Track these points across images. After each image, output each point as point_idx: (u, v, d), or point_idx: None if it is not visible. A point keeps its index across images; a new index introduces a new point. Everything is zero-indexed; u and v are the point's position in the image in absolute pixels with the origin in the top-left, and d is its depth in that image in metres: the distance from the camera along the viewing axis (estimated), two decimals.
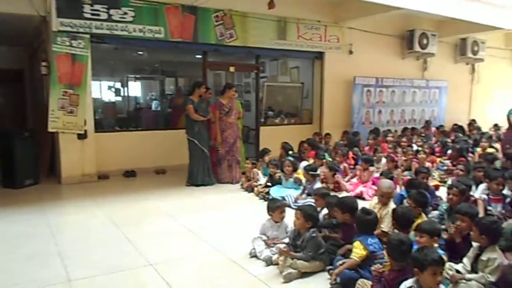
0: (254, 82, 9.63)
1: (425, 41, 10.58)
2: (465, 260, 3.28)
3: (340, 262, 3.25)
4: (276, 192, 5.92)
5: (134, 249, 4.08)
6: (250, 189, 6.45)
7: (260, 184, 6.39)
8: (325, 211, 4.31)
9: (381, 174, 5.49)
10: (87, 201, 5.90)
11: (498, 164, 6.46)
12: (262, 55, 9.36)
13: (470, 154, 7.70)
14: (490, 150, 7.75)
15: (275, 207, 4.06)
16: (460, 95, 12.55)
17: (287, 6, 8.48)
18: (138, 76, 11.25)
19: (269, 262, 3.68)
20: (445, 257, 3.09)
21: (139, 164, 7.69)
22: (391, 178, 5.10)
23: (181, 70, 11.42)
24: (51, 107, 6.72)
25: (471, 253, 3.28)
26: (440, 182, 6.62)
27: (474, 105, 13.02)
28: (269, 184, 6.29)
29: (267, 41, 8.68)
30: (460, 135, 9.86)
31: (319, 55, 9.62)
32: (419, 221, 3.63)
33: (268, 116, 9.96)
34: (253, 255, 3.87)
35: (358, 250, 3.14)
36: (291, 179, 6.11)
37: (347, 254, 3.42)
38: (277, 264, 3.60)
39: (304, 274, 3.46)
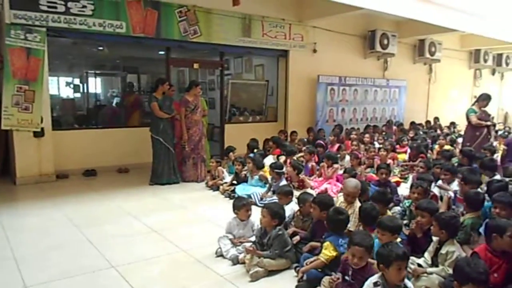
0: (219, 80, 9.55)
1: (385, 42, 10.86)
2: (426, 254, 3.38)
3: (308, 261, 3.26)
4: (241, 190, 5.89)
5: (96, 251, 3.94)
6: (215, 188, 6.39)
7: (226, 182, 6.34)
8: (289, 207, 4.34)
9: (345, 171, 5.58)
10: (44, 202, 5.63)
11: (454, 160, 6.74)
12: (227, 52, 9.29)
13: (429, 151, 7.98)
14: (447, 147, 8.05)
15: (241, 206, 4.04)
16: (418, 94, 12.99)
17: (251, 4, 8.44)
18: (98, 72, 10.87)
19: (235, 261, 3.65)
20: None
21: (100, 162, 7.45)
22: (355, 175, 5.20)
23: (144, 66, 11.17)
24: (5, 103, 6.37)
25: (431, 247, 3.39)
26: (400, 178, 6.82)
27: (431, 104, 13.51)
28: (234, 182, 6.27)
29: (232, 38, 8.62)
30: (421, 132, 10.20)
31: (284, 53, 9.66)
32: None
33: (233, 113, 9.91)
34: (219, 255, 3.83)
35: (327, 252, 3.15)
36: (257, 177, 6.11)
37: (314, 251, 3.45)
38: (243, 263, 3.58)
39: (271, 272, 3.46)
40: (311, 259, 3.27)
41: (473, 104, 7.80)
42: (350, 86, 10.76)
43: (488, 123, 7.45)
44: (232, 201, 4.44)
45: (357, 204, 4.04)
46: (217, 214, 5.09)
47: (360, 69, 11.06)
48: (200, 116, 7.07)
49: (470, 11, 9.81)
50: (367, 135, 8.80)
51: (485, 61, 14.43)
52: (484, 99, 7.49)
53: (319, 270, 3.15)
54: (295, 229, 3.94)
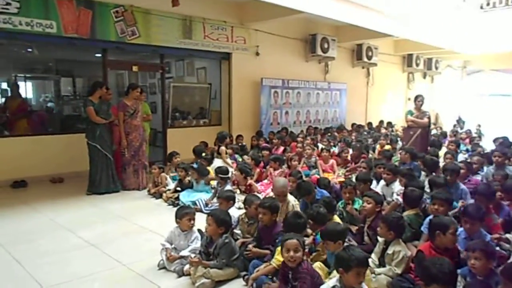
0: (160, 83, 9.24)
1: (326, 45, 11.09)
2: (373, 255, 3.41)
3: (262, 266, 3.16)
4: (186, 197, 5.67)
5: (24, 271, 3.56)
6: (158, 195, 6.11)
7: (169, 190, 6.08)
8: (234, 211, 4.23)
9: (290, 174, 5.53)
10: None
11: (395, 159, 6.97)
12: (167, 55, 9.03)
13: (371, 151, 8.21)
14: (387, 147, 8.32)
15: (182, 214, 3.79)
16: (358, 96, 13.42)
17: (192, 5, 8.25)
18: (29, 75, 10.13)
19: (180, 273, 3.47)
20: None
21: (30, 172, 6.88)
22: (301, 177, 5.19)
23: (79, 69, 10.54)
24: None
25: (377, 248, 3.42)
26: (345, 178, 6.92)
27: (370, 106, 14.02)
28: (178, 189, 6.02)
29: (172, 40, 8.37)
30: (365, 132, 10.51)
31: (226, 56, 9.55)
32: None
33: (175, 118, 9.64)
34: (162, 267, 3.62)
35: (279, 257, 3.03)
36: (203, 182, 5.91)
37: (263, 258, 3.36)
38: (189, 274, 3.41)
39: (218, 283, 3.32)
40: (262, 266, 3.17)
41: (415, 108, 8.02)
42: (293, 89, 10.87)
43: (420, 122, 7.63)
44: (176, 208, 4.23)
45: (290, 199, 4.04)
46: (161, 223, 4.82)
47: (303, 72, 11.21)
48: (140, 121, 6.75)
49: (402, 17, 10.33)
50: (324, 139, 8.95)
51: (417, 65, 15.25)
52: (415, 99, 7.84)
53: (270, 277, 3.04)
54: (244, 239, 3.81)
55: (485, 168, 5.88)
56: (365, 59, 12.63)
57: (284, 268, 2.84)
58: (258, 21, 9.49)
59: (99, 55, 8.02)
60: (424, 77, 16.88)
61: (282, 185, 4.20)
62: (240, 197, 5.62)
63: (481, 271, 2.82)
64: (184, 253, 3.58)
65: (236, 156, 7.72)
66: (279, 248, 3.08)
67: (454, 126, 14.09)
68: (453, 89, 18.12)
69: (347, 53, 12.72)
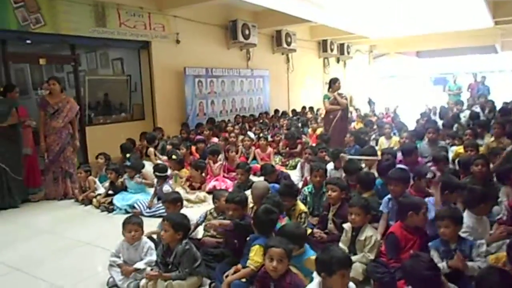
0: (70, 77, 8.31)
1: (247, 32, 10.88)
2: (341, 244, 3.28)
3: (230, 272, 2.85)
4: (121, 200, 5.11)
5: None
6: (87, 202, 5.44)
7: (100, 194, 5.44)
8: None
9: (238, 167, 5.20)
10: None
11: None
12: (79, 45, 8.12)
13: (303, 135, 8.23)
14: (319, 130, 8.33)
15: (124, 225, 3.27)
16: (280, 83, 13.46)
17: None
18: None
19: None
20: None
21: None
22: (249, 169, 4.95)
23: None
24: None
25: (344, 236, 3.30)
26: (282, 166, 6.83)
27: (291, 92, 14.18)
28: (111, 192, 5.40)
29: (84, 28, 7.52)
30: (295, 118, 10.58)
31: (145, 45, 8.87)
32: (298, 208, 3.58)
33: (93, 114, 8.78)
34: (112, 285, 3.15)
35: (257, 258, 2.74)
36: (137, 176, 5.36)
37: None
38: None
39: None
40: (231, 270, 2.86)
41: (328, 90, 8.09)
42: (217, 78, 10.52)
43: (338, 107, 7.72)
44: (111, 214, 3.77)
45: None
46: (98, 233, 4.28)
47: (225, 60, 10.89)
48: (62, 122, 5.88)
49: (317, 2, 10.48)
50: (257, 129, 8.78)
51: (331, 50, 15.73)
52: (334, 82, 7.88)
53: (244, 281, 2.75)
54: (208, 239, 3.46)
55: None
56: (285, 45, 12.66)
57: (265, 277, 2.55)
58: (176, 7, 8.94)
59: None
60: (338, 61, 17.51)
61: (264, 192, 3.68)
62: (190, 196, 5.32)
63: (452, 238, 2.84)
64: (139, 265, 3.13)
65: None
66: (254, 248, 2.80)
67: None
68: (363, 73, 19.11)
69: (267, 40, 12.65)
